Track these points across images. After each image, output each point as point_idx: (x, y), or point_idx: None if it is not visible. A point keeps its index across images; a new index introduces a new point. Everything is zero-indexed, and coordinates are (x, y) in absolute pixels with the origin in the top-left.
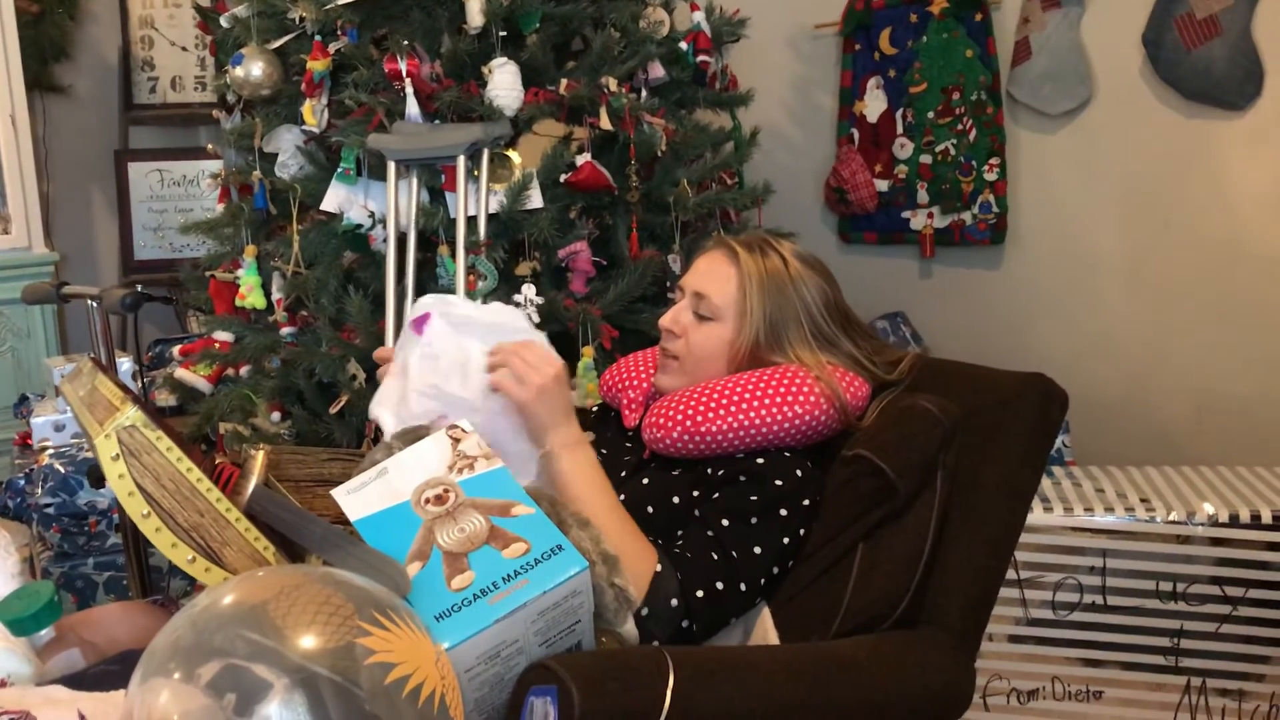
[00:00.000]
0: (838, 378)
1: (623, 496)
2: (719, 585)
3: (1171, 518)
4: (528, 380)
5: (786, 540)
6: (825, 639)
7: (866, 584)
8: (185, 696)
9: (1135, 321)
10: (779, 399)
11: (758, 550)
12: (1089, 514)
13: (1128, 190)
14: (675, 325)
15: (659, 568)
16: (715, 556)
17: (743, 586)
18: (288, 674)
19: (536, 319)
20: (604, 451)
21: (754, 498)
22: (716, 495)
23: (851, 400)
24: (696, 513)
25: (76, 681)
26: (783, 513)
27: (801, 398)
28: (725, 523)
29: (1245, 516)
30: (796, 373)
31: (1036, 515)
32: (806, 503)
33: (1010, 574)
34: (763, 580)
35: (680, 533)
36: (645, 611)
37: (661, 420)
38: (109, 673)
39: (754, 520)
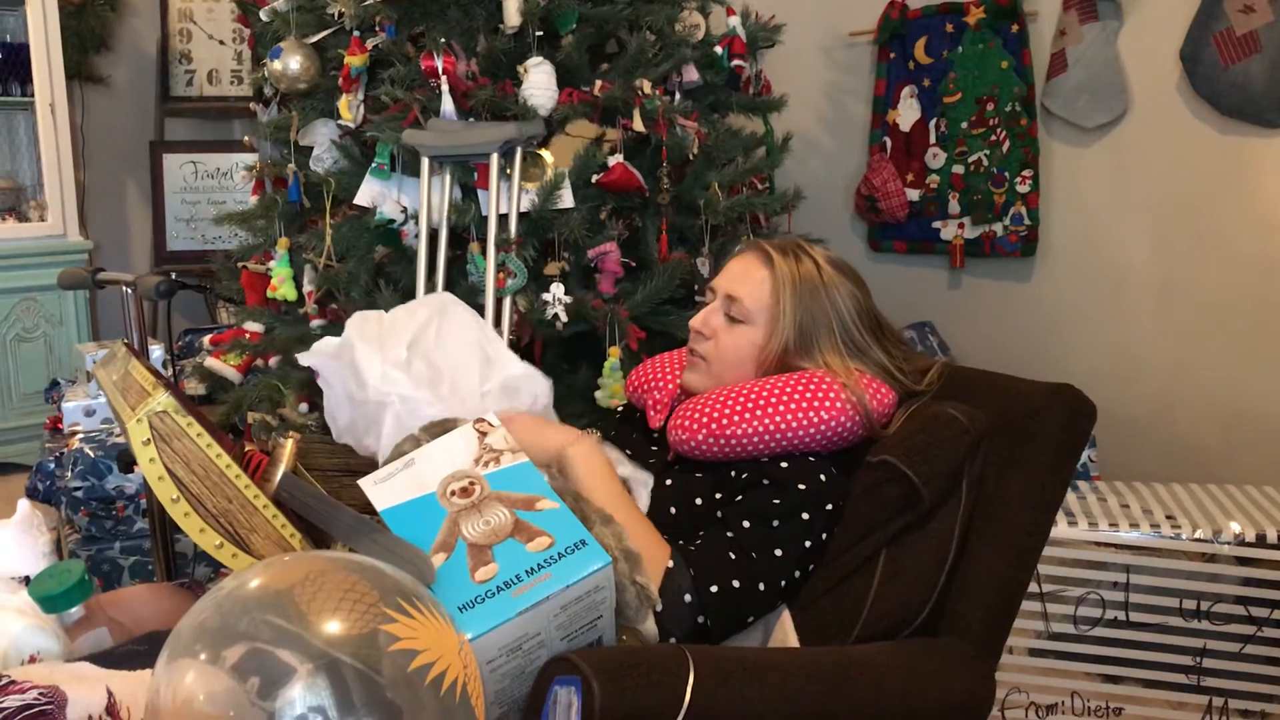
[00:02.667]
0: (864, 385)
1: None
2: (735, 583)
3: (1197, 535)
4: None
5: (808, 544)
6: (845, 644)
7: (888, 590)
8: (210, 678)
9: (1165, 338)
10: (805, 404)
11: (778, 553)
12: (1113, 529)
13: (1161, 206)
14: (705, 327)
15: (670, 563)
16: (733, 555)
17: (761, 586)
18: (311, 659)
19: (565, 318)
20: (628, 452)
21: (776, 501)
22: (739, 498)
23: (877, 408)
24: (719, 514)
25: (104, 660)
26: (805, 517)
27: (828, 404)
28: (746, 525)
29: (1273, 537)
30: (823, 379)
31: (1060, 529)
32: (829, 507)
33: (1032, 587)
34: (783, 582)
35: (701, 533)
36: (659, 607)
37: (687, 423)
38: (136, 652)
39: (775, 524)
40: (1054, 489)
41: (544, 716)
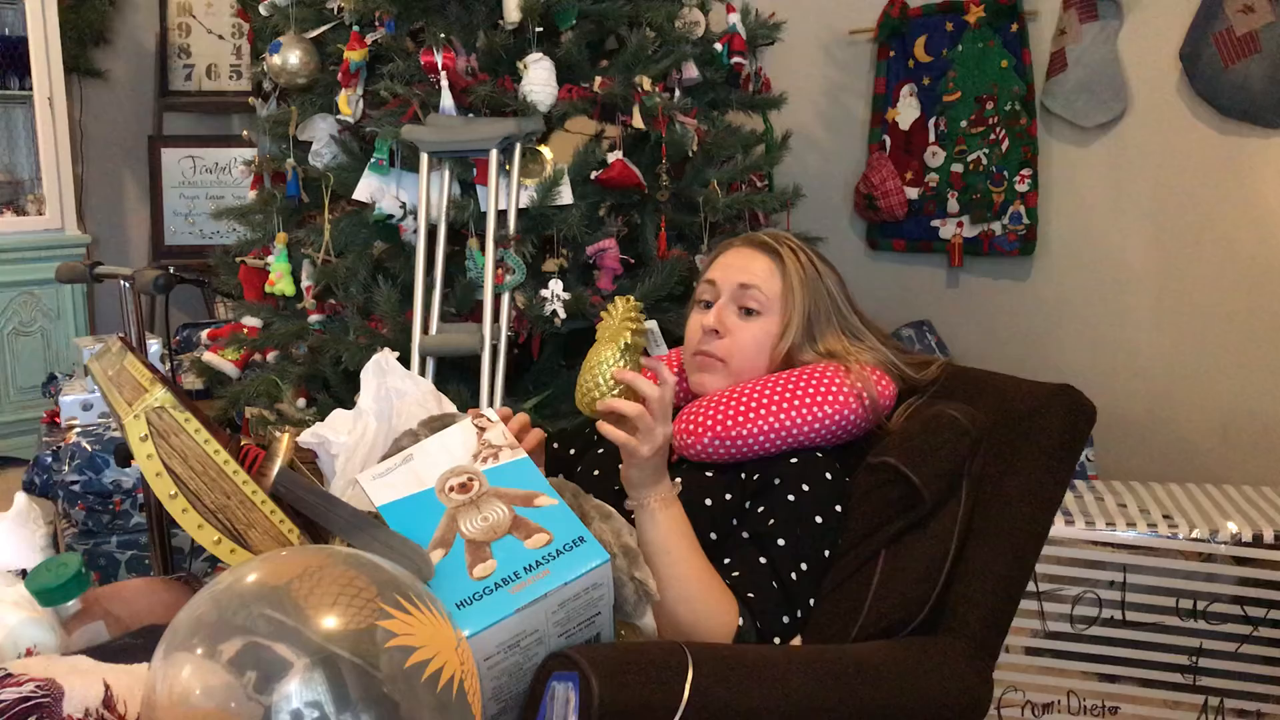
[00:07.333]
0: (868, 374)
1: None
2: (785, 620)
3: (1194, 535)
4: (654, 434)
5: (826, 553)
6: (845, 643)
7: (888, 590)
8: (207, 672)
9: (1163, 337)
10: (809, 399)
11: (804, 566)
12: (1110, 528)
13: (1160, 206)
14: (720, 325)
15: (740, 623)
16: (775, 585)
17: (799, 613)
18: (308, 654)
19: (563, 314)
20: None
21: (790, 498)
22: (761, 509)
23: (880, 397)
24: (745, 535)
25: (101, 653)
26: (818, 520)
27: (831, 396)
28: (781, 542)
29: (1269, 536)
30: (825, 370)
31: (1057, 528)
32: (838, 509)
33: (1029, 586)
34: (811, 600)
35: (727, 550)
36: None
37: (691, 426)
38: (133, 646)
39: (798, 531)
40: (1053, 489)
41: (542, 713)
